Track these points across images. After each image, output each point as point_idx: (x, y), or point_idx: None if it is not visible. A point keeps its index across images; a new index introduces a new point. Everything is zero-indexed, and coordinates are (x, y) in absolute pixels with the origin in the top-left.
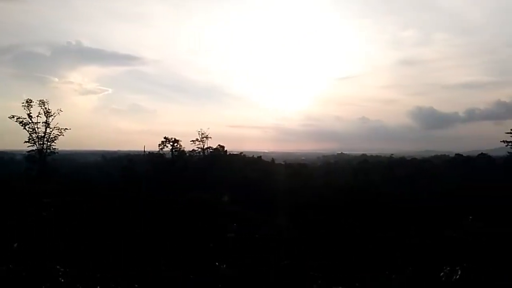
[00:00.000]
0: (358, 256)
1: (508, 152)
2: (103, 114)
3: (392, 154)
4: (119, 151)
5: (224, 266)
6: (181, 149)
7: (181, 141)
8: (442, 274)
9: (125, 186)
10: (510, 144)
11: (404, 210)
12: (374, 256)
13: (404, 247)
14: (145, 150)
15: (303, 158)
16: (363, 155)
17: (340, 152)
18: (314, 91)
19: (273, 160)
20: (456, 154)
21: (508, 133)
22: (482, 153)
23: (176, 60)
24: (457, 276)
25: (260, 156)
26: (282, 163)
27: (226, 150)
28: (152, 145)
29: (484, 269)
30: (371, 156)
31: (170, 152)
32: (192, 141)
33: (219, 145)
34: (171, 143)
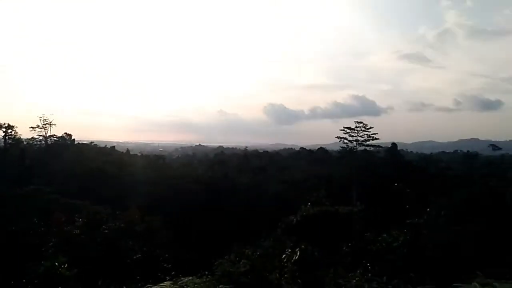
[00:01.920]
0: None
1: (341, 147)
2: None
3: (246, 147)
4: None
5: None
6: (17, 136)
7: (16, 127)
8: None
9: None
10: (342, 139)
11: (256, 197)
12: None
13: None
14: None
15: (161, 149)
16: (220, 147)
17: (198, 144)
18: (177, 83)
19: (128, 150)
20: (300, 148)
21: (341, 130)
22: (321, 147)
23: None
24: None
25: (114, 146)
26: (138, 154)
27: (74, 139)
28: None
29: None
30: (228, 148)
31: (3, 140)
32: (32, 127)
33: (65, 133)
34: (3, 129)
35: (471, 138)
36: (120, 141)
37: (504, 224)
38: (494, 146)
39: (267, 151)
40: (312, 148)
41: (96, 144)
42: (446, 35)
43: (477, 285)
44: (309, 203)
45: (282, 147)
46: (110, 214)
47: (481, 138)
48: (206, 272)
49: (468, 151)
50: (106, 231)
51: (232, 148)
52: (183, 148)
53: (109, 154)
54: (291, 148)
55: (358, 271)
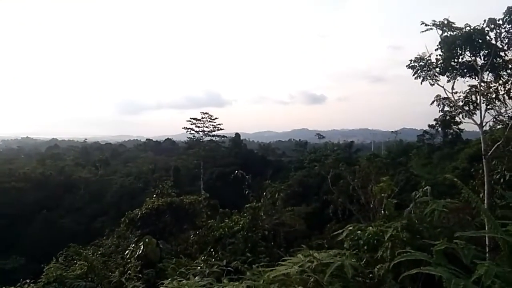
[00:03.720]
0: None
1: (188, 137)
2: None
3: (86, 139)
4: None
5: None
6: None
7: None
8: None
9: None
10: (189, 130)
11: (98, 192)
12: None
13: None
14: None
15: None
16: (54, 139)
17: (26, 136)
18: None
19: None
20: (147, 139)
21: (188, 120)
22: (168, 138)
23: None
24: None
25: None
26: None
27: None
28: None
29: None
30: (63, 140)
31: None
32: None
33: None
34: None
35: (302, 128)
36: None
37: (326, 202)
38: (319, 135)
39: (110, 143)
40: (159, 139)
41: None
42: None
43: (301, 256)
44: (154, 195)
45: (126, 139)
46: None
47: (310, 128)
48: (28, 281)
49: (299, 139)
50: None
51: (69, 140)
52: (4, 141)
53: None
54: (137, 140)
55: (202, 258)
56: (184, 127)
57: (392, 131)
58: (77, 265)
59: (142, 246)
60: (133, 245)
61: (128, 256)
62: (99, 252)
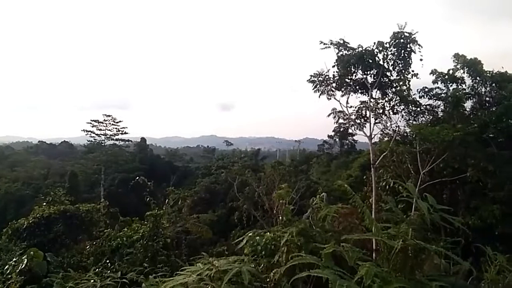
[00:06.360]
0: None
1: (88, 140)
2: None
3: None
4: None
5: None
6: None
7: None
8: None
9: None
10: (90, 133)
11: None
12: None
13: None
14: None
15: None
16: None
17: None
18: None
19: None
20: (39, 141)
21: (88, 122)
22: (65, 140)
23: None
24: None
25: None
26: None
27: None
28: None
29: None
30: None
31: None
32: None
33: None
34: None
35: (211, 135)
36: None
37: (232, 208)
38: (227, 142)
39: None
40: (54, 141)
41: None
42: None
43: (200, 264)
44: (45, 203)
45: (15, 140)
46: None
47: (218, 135)
48: None
49: (208, 146)
50: None
51: None
52: None
53: None
54: (28, 142)
55: (96, 270)
56: (84, 130)
57: (296, 140)
58: None
59: (25, 259)
60: (15, 259)
61: (8, 271)
62: None
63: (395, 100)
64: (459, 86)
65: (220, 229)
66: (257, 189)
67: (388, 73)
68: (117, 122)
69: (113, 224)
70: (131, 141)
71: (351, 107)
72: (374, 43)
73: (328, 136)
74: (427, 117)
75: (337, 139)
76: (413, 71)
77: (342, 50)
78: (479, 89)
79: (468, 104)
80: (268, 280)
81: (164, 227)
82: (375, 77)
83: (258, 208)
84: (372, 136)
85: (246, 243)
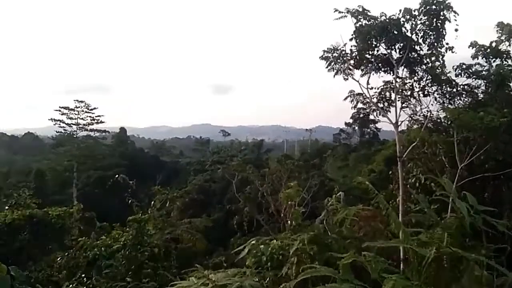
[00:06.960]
0: None
1: (57, 132)
2: None
3: None
4: None
5: None
6: None
7: None
8: None
9: None
10: (58, 122)
11: None
12: None
13: None
14: None
15: None
16: None
17: None
18: None
19: None
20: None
21: (56, 110)
22: (29, 132)
23: None
24: None
25: None
26: None
27: None
28: None
29: None
30: None
31: None
32: None
33: None
34: None
35: (204, 123)
36: None
37: (231, 211)
38: (224, 131)
39: None
40: (15, 133)
41: None
42: None
43: (193, 279)
44: (7, 207)
45: None
46: None
47: (213, 123)
48: None
49: (200, 137)
50: None
51: None
52: None
53: None
54: None
55: (69, 286)
56: (51, 119)
57: (307, 129)
58: None
59: None
60: None
61: None
62: None
63: (426, 80)
64: (504, 62)
65: (216, 236)
66: (261, 188)
67: (418, 47)
68: (91, 109)
69: (89, 231)
70: (108, 131)
71: (372, 88)
72: (400, 10)
73: (346, 123)
74: (465, 99)
75: (356, 127)
76: (447, 44)
77: (361, 20)
78: None
79: None
80: None
81: (150, 234)
82: (401, 52)
83: (262, 211)
84: (399, 123)
85: (248, 252)
